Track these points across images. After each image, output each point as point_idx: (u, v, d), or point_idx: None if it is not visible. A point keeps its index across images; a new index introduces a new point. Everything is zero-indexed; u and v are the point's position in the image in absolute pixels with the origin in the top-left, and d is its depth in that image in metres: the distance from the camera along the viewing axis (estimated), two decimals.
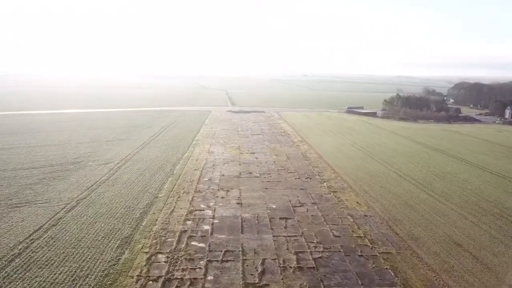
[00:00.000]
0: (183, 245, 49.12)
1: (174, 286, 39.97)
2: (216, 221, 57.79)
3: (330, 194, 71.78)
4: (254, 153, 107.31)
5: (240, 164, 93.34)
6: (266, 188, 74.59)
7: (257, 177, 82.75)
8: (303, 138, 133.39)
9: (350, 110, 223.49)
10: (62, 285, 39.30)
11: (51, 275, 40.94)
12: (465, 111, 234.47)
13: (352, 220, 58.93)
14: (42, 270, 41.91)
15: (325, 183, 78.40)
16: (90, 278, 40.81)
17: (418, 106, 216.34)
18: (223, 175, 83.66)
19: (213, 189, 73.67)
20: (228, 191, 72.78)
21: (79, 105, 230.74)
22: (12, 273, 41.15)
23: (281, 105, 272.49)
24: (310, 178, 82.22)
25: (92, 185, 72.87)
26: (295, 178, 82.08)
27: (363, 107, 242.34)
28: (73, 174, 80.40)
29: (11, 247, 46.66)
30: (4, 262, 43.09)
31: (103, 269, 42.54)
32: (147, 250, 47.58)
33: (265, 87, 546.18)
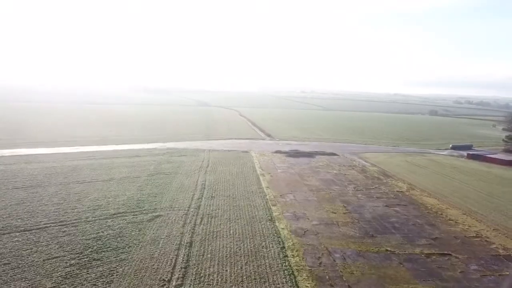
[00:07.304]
0: None
1: None
2: None
3: None
4: None
5: None
6: None
7: None
8: None
9: (472, 155, 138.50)
10: None
11: None
12: None
13: None
14: None
15: None
16: None
17: None
18: None
19: None
20: None
21: (25, 141, 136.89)
22: None
23: (331, 136, 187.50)
24: None
25: None
26: None
27: (472, 145, 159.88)
28: None
29: None
30: None
31: None
32: None
33: (269, 104, 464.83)
